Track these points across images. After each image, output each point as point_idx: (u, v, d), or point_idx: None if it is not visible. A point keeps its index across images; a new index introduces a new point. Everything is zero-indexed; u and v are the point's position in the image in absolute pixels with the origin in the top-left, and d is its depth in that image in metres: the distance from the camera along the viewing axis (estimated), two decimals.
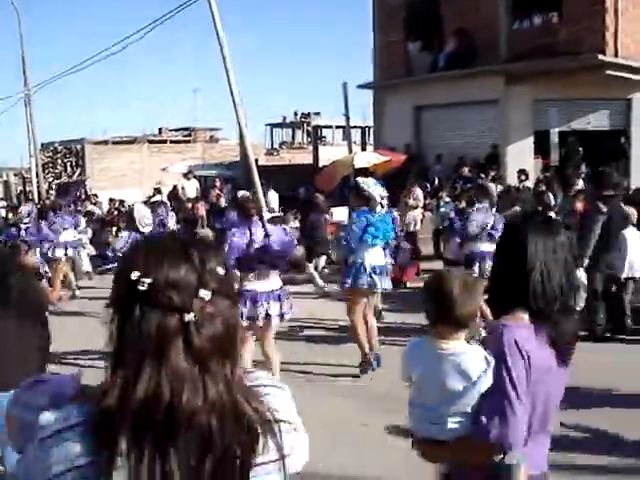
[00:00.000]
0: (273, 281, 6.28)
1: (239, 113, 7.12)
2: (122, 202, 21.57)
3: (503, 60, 17.98)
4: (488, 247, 7.71)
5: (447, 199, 13.34)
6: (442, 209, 12.70)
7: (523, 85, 17.78)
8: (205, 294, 1.34)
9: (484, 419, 2.19)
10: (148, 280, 1.32)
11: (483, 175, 15.67)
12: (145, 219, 8.65)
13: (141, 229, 8.57)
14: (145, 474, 1.28)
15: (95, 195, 24.94)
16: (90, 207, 21.86)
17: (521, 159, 17.42)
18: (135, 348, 1.32)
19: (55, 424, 1.33)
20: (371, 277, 7.04)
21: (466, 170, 17.01)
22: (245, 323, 5.99)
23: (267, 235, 6.25)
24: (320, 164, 27.31)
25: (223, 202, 17.15)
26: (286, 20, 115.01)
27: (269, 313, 6.14)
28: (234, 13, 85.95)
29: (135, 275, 1.32)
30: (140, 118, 79.57)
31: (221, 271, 1.39)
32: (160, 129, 43.64)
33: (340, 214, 12.75)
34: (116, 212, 20.82)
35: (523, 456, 2.21)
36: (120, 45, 20.12)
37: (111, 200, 22.36)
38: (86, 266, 13.92)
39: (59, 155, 35.74)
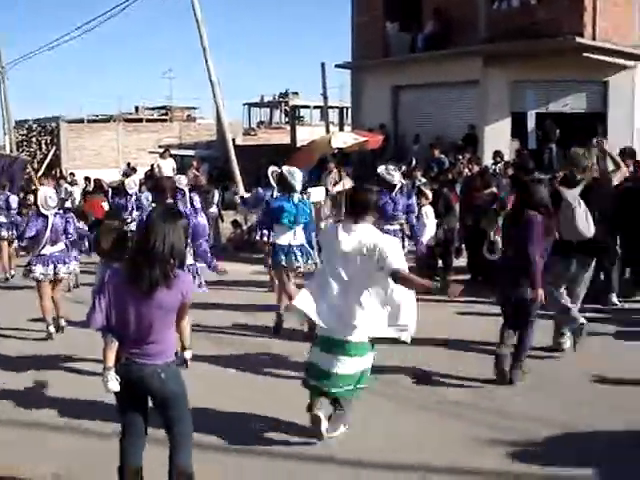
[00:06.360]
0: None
1: (216, 93, 7.08)
2: (98, 180, 21.27)
3: (481, 41, 17.91)
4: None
5: (422, 179, 13.22)
6: None
7: (501, 66, 17.78)
8: None
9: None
10: None
11: (460, 157, 15.65)
12: (50, 200, 8.27)
13: (44, 212, 8.24)
14: None
15: (72, 174, 24.64)
16: (65, 186, 21.63)
17: (498, 140, 17.48)
18: None
19: None
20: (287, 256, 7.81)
21: (436, 152, 17.01)
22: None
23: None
24: (298, 144, 27.24)
25: (203, 181, 17.01)
26: None
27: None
28: None
29: None
30: (114, 97, 78.42)
31: None
32: (137, 107, 43.20)
33: (317, 194, 12.61)
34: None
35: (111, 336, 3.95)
36: (95, 22, 19.93)
37: (87, 179, 22.09)
38: None
39: (34, 133, 35.21)
